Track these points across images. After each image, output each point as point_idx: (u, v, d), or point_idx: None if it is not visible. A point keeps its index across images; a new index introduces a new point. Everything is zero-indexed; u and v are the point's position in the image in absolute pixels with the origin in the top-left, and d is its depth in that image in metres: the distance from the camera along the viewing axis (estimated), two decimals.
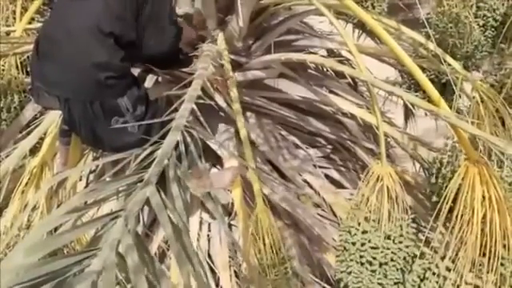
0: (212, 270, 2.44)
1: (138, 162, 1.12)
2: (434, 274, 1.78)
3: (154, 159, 1.13)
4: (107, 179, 2.44)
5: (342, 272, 1.92)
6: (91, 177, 2.80)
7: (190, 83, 1.76)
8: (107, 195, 1.05)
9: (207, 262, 2.43)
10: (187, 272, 0.91)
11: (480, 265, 1.72)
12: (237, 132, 2.58)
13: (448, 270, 1.75)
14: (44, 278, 0.85)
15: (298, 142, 2.76)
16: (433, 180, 2.05)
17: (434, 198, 2.00)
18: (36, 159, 2.17)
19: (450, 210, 1.80)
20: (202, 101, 1.58)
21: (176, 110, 1.50)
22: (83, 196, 0.99)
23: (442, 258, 1.77)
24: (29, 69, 2.63)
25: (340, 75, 2.87)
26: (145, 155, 1.14)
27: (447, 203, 1.79)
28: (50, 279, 0.85)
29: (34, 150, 2.34)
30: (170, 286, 0.91)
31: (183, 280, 0.93)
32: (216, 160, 2.55)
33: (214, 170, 2.56)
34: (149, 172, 1.06)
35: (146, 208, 1.13)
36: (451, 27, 2.54)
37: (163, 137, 1.25)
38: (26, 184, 2.14)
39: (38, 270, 0.86)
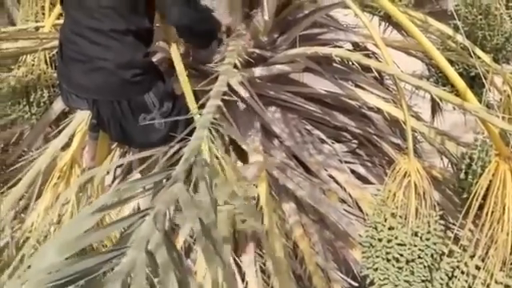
0: (238, 266, 2.45)
1: (165, 159, 1.13)
2: (462, 272, 1.75)
3: (181, 156, 1.13)
4: (135, 177, 2.47)
5: (368, 268, 1.90)
6: (118, 171, 2.83)
7: (215, 78, 1.76)
8: (135, 193, 1.05)
9: (233, 258, 2.44)
10: (215, 269, 0.91)
11: (511, 263, 1.69)
12: (262, 126, 2.58)
13: (477, 268, 1.73)
14: (74, 277, 0.86)
15: (323, 136, 2.75)
16: (462, 176, 2.01)
17: (464, 195, 1.97)
18: (66, 156, 2.21)
19: (480, 207, 1.77)
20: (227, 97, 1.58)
21: (202, 106, 1.50)
22: (112, 195, 1.00)
23: (472, 257, 1.74)
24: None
25: (366, 69, 2.84)
26: (172, 152, 1.14)
27: (477, 200, 1.76)
28: (79, 278, 0.86)
29: (63, 146, 2.39)
30: (196, 285, 0.91)
31: (211, 277, 0.94)
32: (241, 154, 2.55)
33: (239, 164, 2.56)
34: (176, 169, 1.06)
35: None
36: (481, 19, 2.48)
37: (190, 134, 1.26)
38: (57, 180, 2.19)
39: (68, 269, 0.87)
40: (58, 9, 2.77)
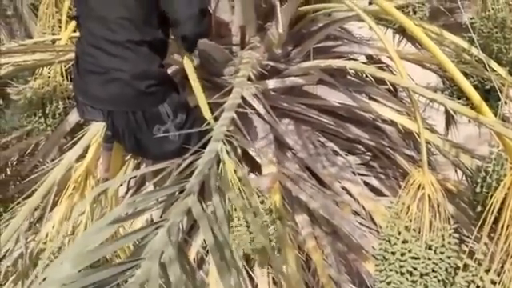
0: (250, 277, 2.44)
1: (178, 172, 1.13)
2: (478, 287, 1.73)
3: (195, 168, 1.14)
4: (148, 189, 2.49)
5: (381, 282, 1.88)
6: (132, 182, 2.85)
7: (229, 91, 1.77)
8: (149, 205, 1.06)
9: (245, 269, 2.44)
10: (228, 283, 0.91)
11: None
12: (276, 138, 2.59)
13: (493, 283, 1.70)
14: None
15: (336, 148, 2.74)
16: (477, 189, 1.99)
17: (479, 208, 1.94)
18: (81, 168, 2.24)
19: (495, 221, 1.75)
20: (241, 109, 1.59)
21: (216, 118, 1.51)
22: (125, 207, 1.01)
23: (487, 271, 1.72)
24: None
25: (380, 81, 2.84)
26: (186, 165, 1.15)
27: (492, 213, 1.74)
28: None
29: (78, 158, 2.41)
30: None
31: None
32: (254, 166, 2.56)
33: (252, 175, 2.57)
34: (190, 181, 1.06)
35: None
36: (496, 32, 2.47)
37: (204, 146, 1.26)
38: (72, 192, 2.21)
39: (83, 281, 0.87)
40: (74, 22, 2.81)
